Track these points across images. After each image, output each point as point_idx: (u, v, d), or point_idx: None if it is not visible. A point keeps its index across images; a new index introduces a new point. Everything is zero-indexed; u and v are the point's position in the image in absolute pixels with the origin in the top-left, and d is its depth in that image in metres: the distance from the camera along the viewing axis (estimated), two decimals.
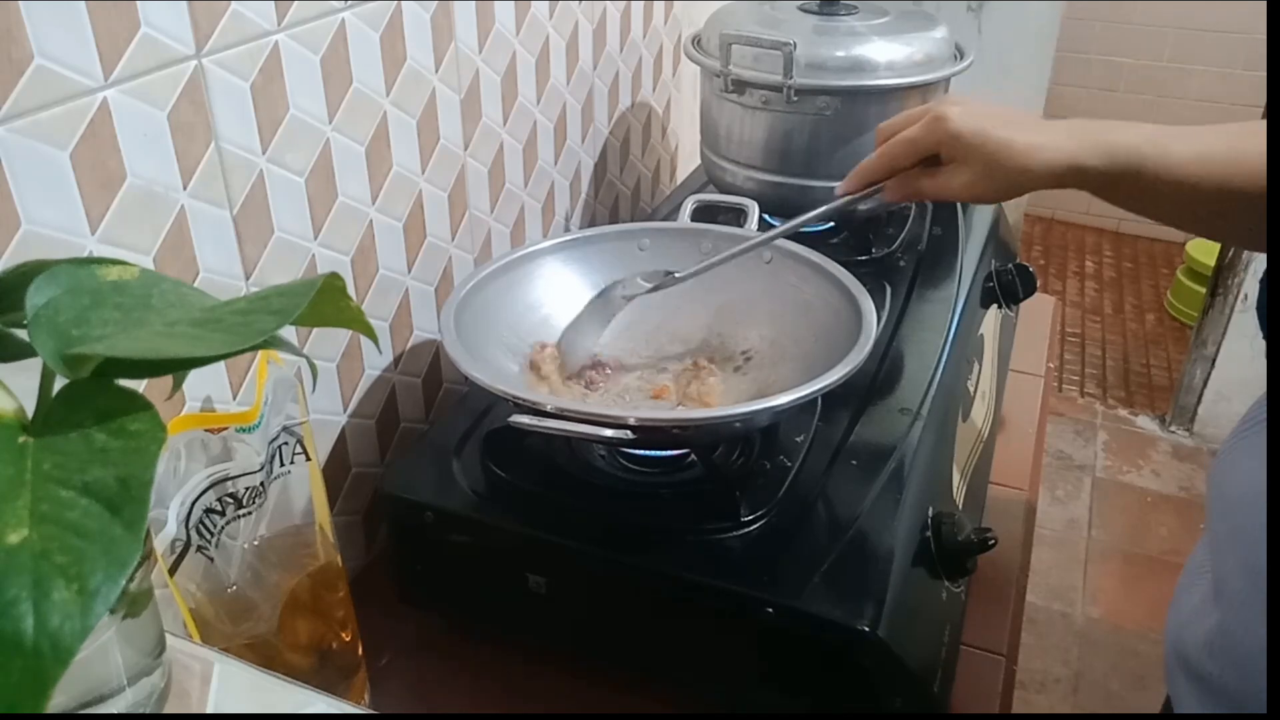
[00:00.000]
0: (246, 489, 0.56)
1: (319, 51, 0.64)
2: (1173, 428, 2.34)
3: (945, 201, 0.64)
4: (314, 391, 0.69)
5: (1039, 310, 1.17)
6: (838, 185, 0.68)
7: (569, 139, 1.00)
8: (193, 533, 0.53)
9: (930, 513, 0.66)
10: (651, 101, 1.19)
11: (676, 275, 0.74)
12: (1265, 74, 0.59)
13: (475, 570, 0.68)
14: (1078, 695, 1.67)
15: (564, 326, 0.76)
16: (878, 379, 0.76)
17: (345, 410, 0.75)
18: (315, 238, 0.67)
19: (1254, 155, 0.53)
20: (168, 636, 0.41)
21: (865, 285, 0.70)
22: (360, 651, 0.66)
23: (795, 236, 0.74)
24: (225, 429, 0.54)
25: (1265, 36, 0.59)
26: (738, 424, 0.65)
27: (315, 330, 0.69)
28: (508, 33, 0.85)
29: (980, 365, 0.88)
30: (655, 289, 0.75)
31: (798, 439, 0.69)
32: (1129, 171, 0.56)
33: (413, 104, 0.74)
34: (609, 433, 0.57)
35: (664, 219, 0.95)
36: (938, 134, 0.61)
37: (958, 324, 0.84)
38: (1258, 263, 2.06)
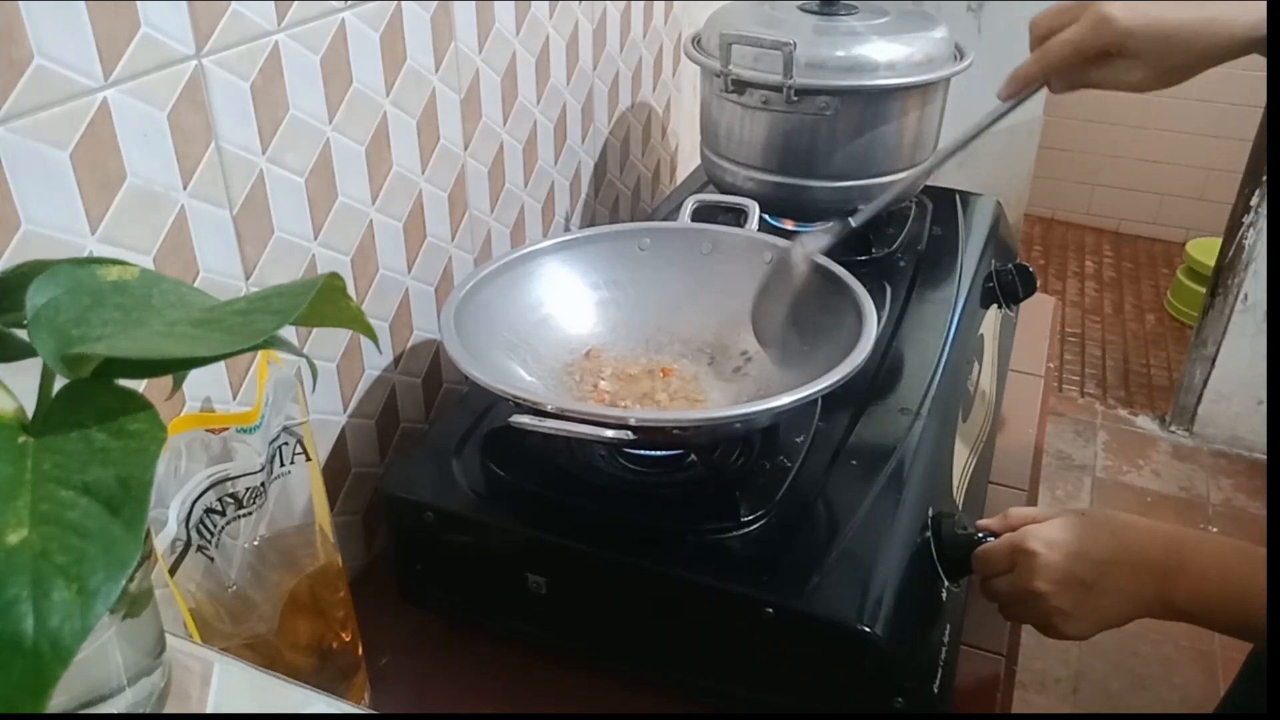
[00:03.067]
0: (247, 489, 0.56)
1: (319, 51, 0.64)
2: (1173, 428, 2.34)
3: (1118, 90, 0.62)
4: (314, 391, 0.69)
5: (1039, 310, 1.17)
6: (999, 90, 0.65)
7: (569, 139, 1.00)
8: (193, 532, 0.53)
9: (930, 513, 0.66)
10: (651, 101, 1.19)
11: (852, 222, 0.72)
12: (1265, 74, 0.59)
13: (475, 570, 0.68)
14: (1078, 695, 1.67)
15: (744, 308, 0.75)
16: (878, 379, 0.76)
17: (345, 410, 0.75)
18: (315, 238, 0.67)
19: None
20: (168, 636, 0.41)
21: (865, 285, 0.70)
22: (360, 651, 0.66)
23: (794, 236, 0.73)
24: (226, 429, 0.54)
25: (1265, 36, 0.58)
26: (738, 424, 0.65)
27: (315, 330, 0.69)
28: (508, 33, 0.85)
29: (980, 365, 0.88)
30: (835, 239, 0.72)
31: (798, 439, 0.69)
32: None
33: (413, 104, 0.74)
34: (609, 433, 0.57)
35: (664, 219, 0.95)
36: (1106, 35, 0.58)
37: (958, 324, 0.84)
38: (1258, 263, 2.06)
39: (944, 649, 0.64)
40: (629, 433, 0.57)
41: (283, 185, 0.63)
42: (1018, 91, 0.65)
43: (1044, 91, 0.67)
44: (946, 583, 0.66)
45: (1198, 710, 1.63)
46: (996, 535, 0.66)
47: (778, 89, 0.88)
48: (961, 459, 0.77)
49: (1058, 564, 0.62)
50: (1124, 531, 0.62)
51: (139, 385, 0.32)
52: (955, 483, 0.74)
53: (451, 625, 0.72)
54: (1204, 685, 1.67)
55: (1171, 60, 0.57)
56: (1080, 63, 0.60)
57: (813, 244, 0.73)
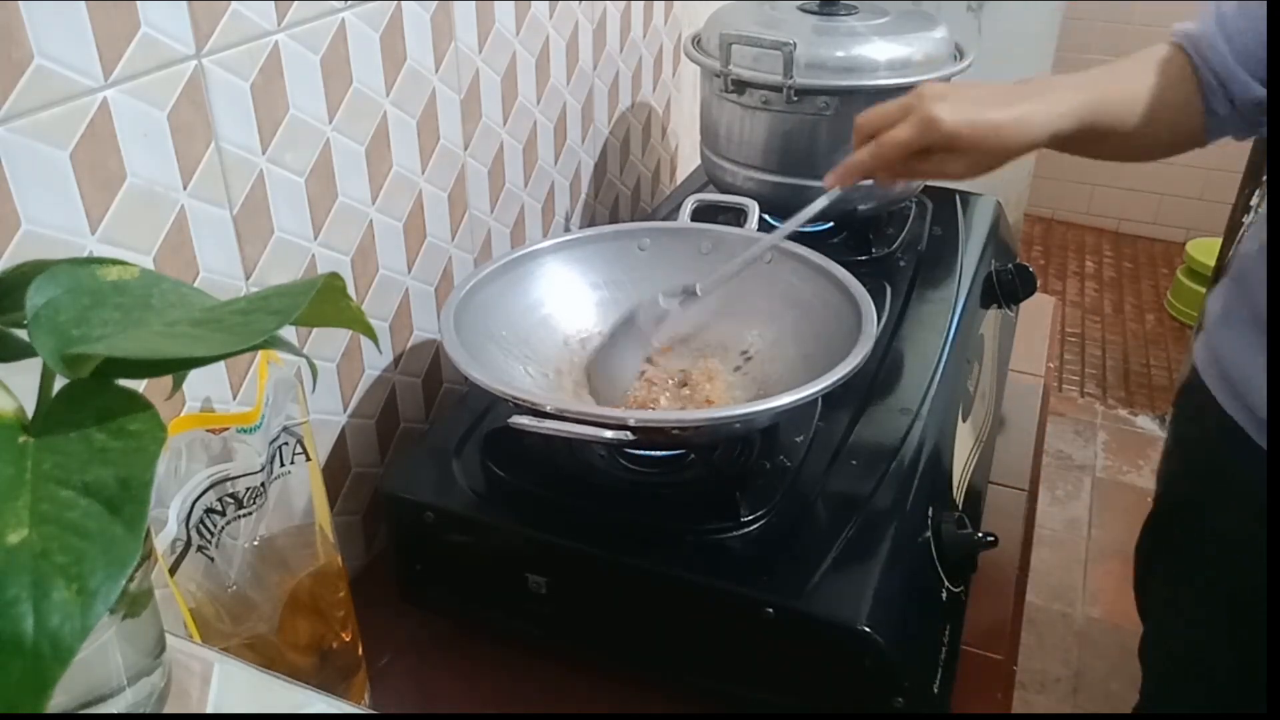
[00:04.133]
0: (247, 489, 0.56)
1: (319, 51, 0.64)
2: None
3: (938, 181, 0.68)
4: (314, 391, 0.69)
5: (1039, 310, 1.17)
6: (825, 178, 0.69)
7: (569, 139, 1.00)
8: (193, 532, 0.53)
9: (930, 513, 0.66)
10: (651, 101, 1.19)
11: (697, 290, 0.73)
12: (1265, 74, 0.59)
13: (475, 570, 0.68)
14: (1078, 696, 1.67)
15: (588, 361, 0.75)
16: (878, 379, 0.76)
17: (345, 410, 0.75)
18: (315, 238, 0.67)
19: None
20: (168, 636, 0.41)
21: (865, 285, 0.70)
22: (360, 651, 0.66)
23: (795, 236, 0.74)
24: (226, 429, 0.54)
25: (1265, 36, 0.59)
26: (738, 424, 0.65)
27: (315, 330, 0.69)
28: (508, 33, 0.85)
29: (980, 365, 0.88)
30: (684, 303, 0.74)
31: (798, 439, 0.69)
32: (1088, 128, 0.65)
33: (413, 104, 0.74)
34: (609, 433, 0.57)
35: (664, 219, 0.95)
36: (933, 135, 0.63)
37: (958, 324, 0.84)
38: None
39: (944, 649, 0.64)
40: (628, 433, 0.57)
41: (283, 185, 0.63)
42: (847, 181, 0.69)
43: None
44: (946, 583, 0.66)
45: None
46: (996, 539, 0.66)
47: (778, 89, 0.88)
48: (961, 459, 0.77)
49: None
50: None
51: (139, 385, 0.32)
52: (955, 483, 0.74)
53: (451, 625, 0.72)
54: None
55: (987, 157, 0.64)
56: (907, 158, 0.65)
57: (657, 312, 0.75)
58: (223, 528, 0.55)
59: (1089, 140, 0.66)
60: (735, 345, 0.76)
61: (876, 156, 0.66)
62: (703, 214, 0.83)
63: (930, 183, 0.75)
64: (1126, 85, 0.66)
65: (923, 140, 0.63)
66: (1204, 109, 0.65)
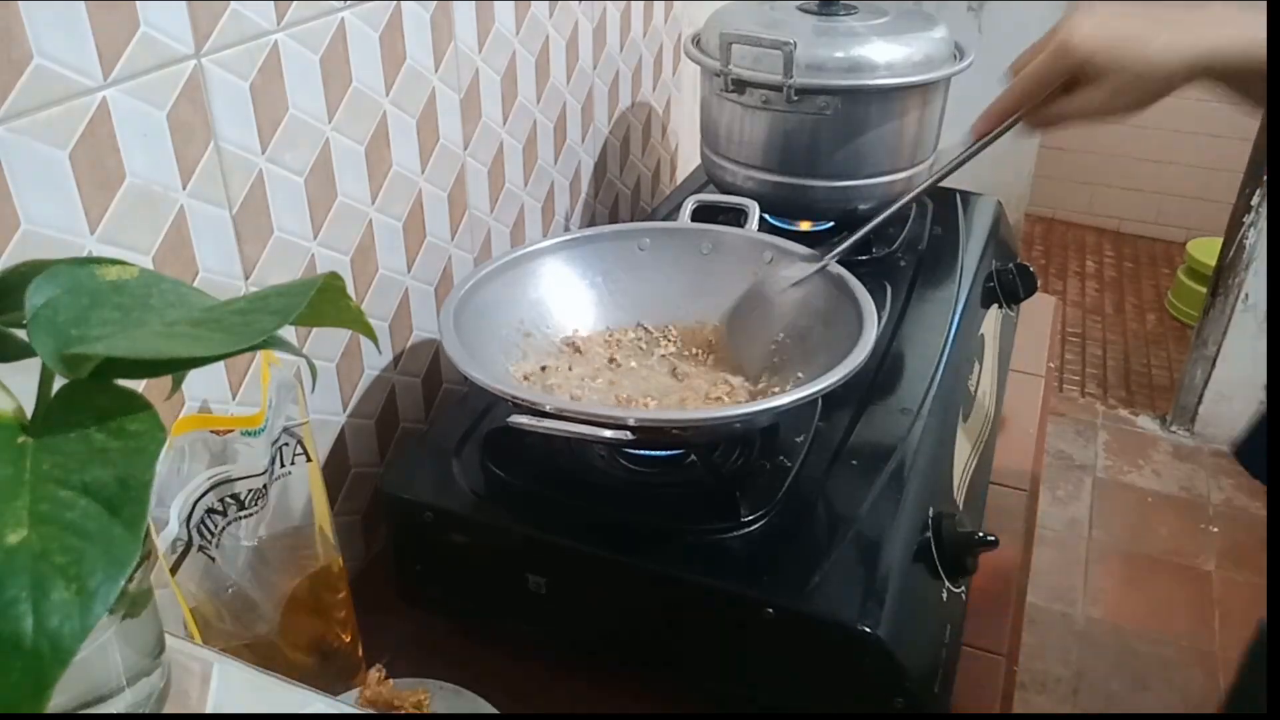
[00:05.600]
0: (249, 490, 0.56)
1: (319, 51, 0.64)
2: (1173, 428, 2.34)
3: (1088, 122, 0.60)
4: (313, 392, 0.69)
5: (1039, 310, 1.17)
6: (973, 124, 0.65)
7: (569, 139, 1.00)
8: (194, 532, 0.53)
9: (930, 513, 0.66)
10: (651, 101, 1.19)
11: (823, 253, 0.72)
12: (1265, 74, 0.59)
13: (475, 570, 0.68)
14: (1078, 696, 1.67)
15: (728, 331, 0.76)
16: (878, 379, 0.76)
17: (345, 410, 0.75)
18: (315, 237, 0.67)
19: None
20: (168, 636, 0.41)
21: (865, 285, 0.70)
22: (360, 652, 0.66)
23: (795, 236, 0.74)
24: (231, 431, 0.55)
25: (1265, 36, 0.58)
26: (738, 424, 0.65)
27: (315, 330, 0.69)
28: (507, 32, 0.85)
29: (981, 365, 0.88)
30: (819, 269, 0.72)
31: (798, 439, 0.69)
32: (1252, 66, 0.54)
33: (412, 104, 0.74)
34: (609, 433, 0.57)
35: (664, 219, 0.95)
36: (1067, 62, 0.57)
37: (958, 324, 0.84)
38: (1259, 262, 2.06)
39: (944, 649, 0.64)
40: (628, 433, 0.57)
41: (282, 185, 0.63)
42: (991, 128, 0.65)
43: None
44: (946, 583, 0.66)
45: (1198, 710, 1.63)
46: (996, 539, 0.66)
47: (778, 89, 0.87)
48: (962, 459, 0.77)
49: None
50: None
51: (138, 385, 0.32)
52: (955, 483, 0.74)
53: (451, 625, 0.72)
54: (1204, 685, 1.67)
55: (1134, 88, 0.56)
56: (1047, 93, 0.60)
57: (790, 273, 0.73)
58: (224, 528, 0.55)
59: (1258, 85, 0.55)
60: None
61: (1015, 92, 0.60)
62: (703, 214, 0.83)
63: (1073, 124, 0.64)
64: None
65: (1059, 65, 0.57)
66: None
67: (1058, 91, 0.60)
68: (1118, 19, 0.56)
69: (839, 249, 0.72)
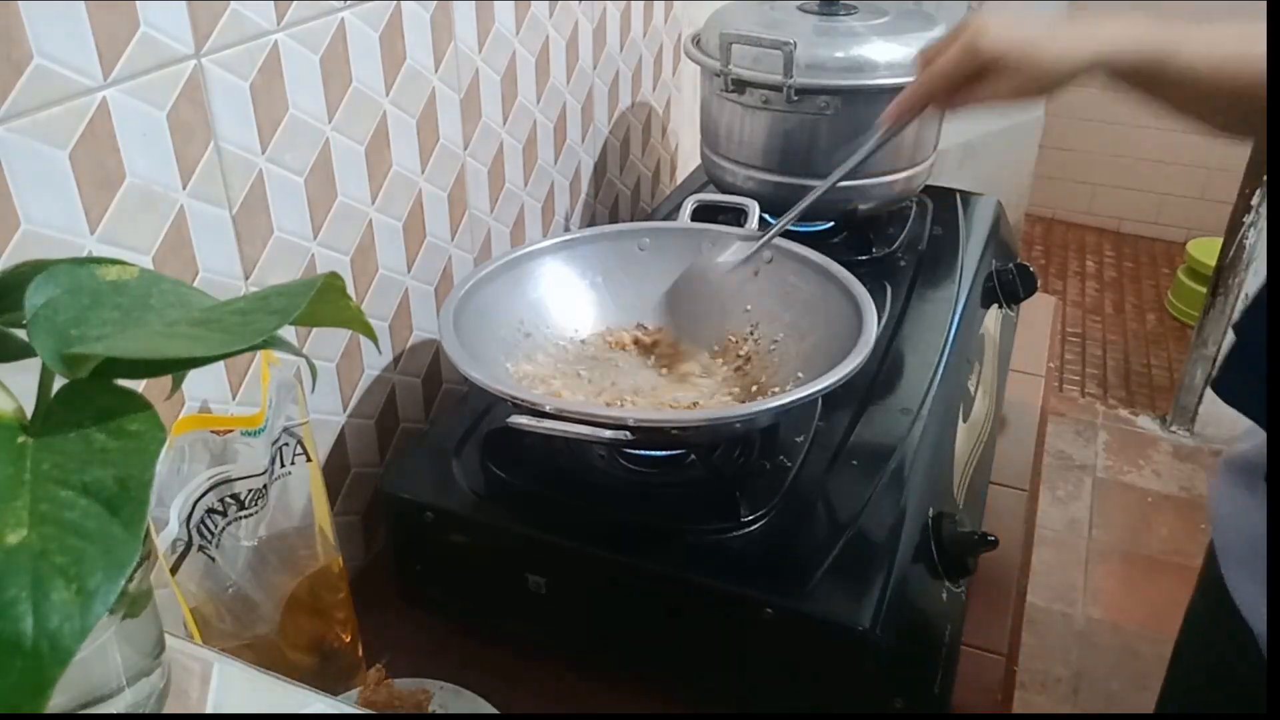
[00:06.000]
0: (249, 490, 0.56)
1: (318, 51, 0.64)
2: (1173, 428, 2.34)
3: (994, 107, 0.66)
4: (313, 392, 0.69)
5: (1039, 310, 1.17)
6: (881, 116, 0.69)
7: (569, 139, 1.00)
8: (194, 532, 0.53)
9: (930, 513, 0.66)
10: (651, 101, 1.19)
11: (765, 233, 0.75)
12: (1265, 74, 0.59)
13: (475, 570, 0.68)
14: (1078, 696, 1.67)
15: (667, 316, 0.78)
16: (878, 379, 0.76)
17: (345, 410, 0.75)
18: (315, 237, 0.67)
19: (1257, 56, 0.58)
20: (168, 636, 0.41)
21: (865, 285, 0.70)
22: (360, 652, 0.66)
23: (795, 236, 0.74)
24: (231, 431, 0.54)
25: (1265, 37, 0.59)
26: (738, 424, 0.65)
27: (315, 330, 0.69)
28: (507, 32, 0.85)
29: (981, 365, 0.88)
30: (757, 249, 0.76)
31: (798, 439, 0.69)
32: (1151, 71, 0.60)
33: (412, 104, 0.74)
34: (608, 433, 0.57)
35: (664, 219, 0.95)
36: (979, 60, 0.62)
37: (958, 324, 0.84)
38: (1258, 261, 2.06)
39: (944, 649, 0.64)
40: (628, 433, 0.57)
41: (282, 185, 0.63)
42: (902, 116, 0.68)
43: None
44: (946, 583, 0.66)
45: None
46: (996, 539, 0.66)
47: (778, 89, 0.88)
48: (961, 459, 0.77)
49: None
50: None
51: (138, 385, 0.32)
52: (955, 483, 0.74)
53: (451, 625, 0.72)
54: None
55: (1034, 73, 0.62)
56: (956, 84, 0.64)
57: (728, 256, 0.76)
58: (224, 528, 0.55)
59: (1150, 84, 0.61)
60: (735, 345, 0.76)
61: (925, 84, 0.65)
62: (703, 214, 0.83)
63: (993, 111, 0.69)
64: (1217, 45, 0.59)
65: (969, 61, 0.62)
66: None
67: (963, 81, 0.64)
68: (1019, 24, 0.61)
69: (773, 231, 0.76)
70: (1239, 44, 0.58)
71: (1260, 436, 0.66)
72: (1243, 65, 0.57)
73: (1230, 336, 0.64)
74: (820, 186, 0.75)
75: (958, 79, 0.63)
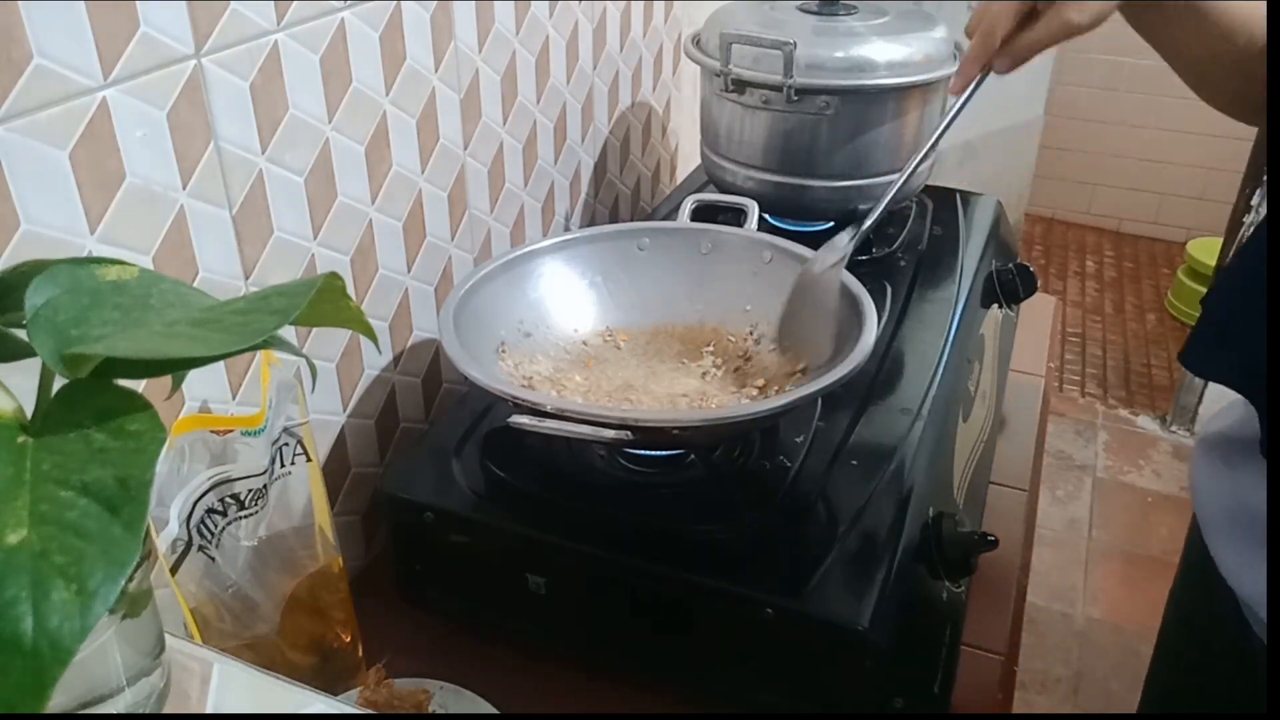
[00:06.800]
0: (249, 490, 0.56)
1: (318, 51, 0.64)
2: (1173, 428, 2.34)
3: (1052, 45, 0.65)
4: (313, 392, 0.69)
5: (1039, 310, 1.17)
6: (950, 83, 0.68)
7: (569, 139, 1.00)
8: (194, 532, 0.53)
9: (930, 513, 0.66)
10: (651, 101, 1.19)
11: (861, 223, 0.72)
12: (1265, 74, 0.59)
13: (475, 570, 0.68)
14: (1078, 696, 1.67)
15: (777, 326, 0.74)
16: (878, 379, 0.76)
17: (345, 410, 0.75)
18: (315, 237, 0.67)
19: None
20: (168, 636, 0.41)
21: (865, 285, 0.70)
22: (360, 652, 0.66)
23: (795, 236, 0.73)
24: (231, 431, 0.54)
25: (1265, 37, 0.59)
26: (738, 424, 0.65)
27: (315, 330, 0.69)
28: (507, 32, 0.85)
29: (980, 365, 0.88)
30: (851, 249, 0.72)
31: (798, 439, 0.69)
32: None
33: (412, 104, 0.74)
34: (609, 433, 0.57)
35: (664, 219, 0.95)
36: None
37: (958, 324, 0.84)
38: None
39: (944, 649, 0.64)
40: (628, 433, 0.57)
41: (282, 185, 0.63)
42: (967, 82, 0.67)
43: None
44: (946, 583, 0.66)
45: None
46: (996, 539, 0.66)
47: (778, 89, 0.88)
48: (961, 459, 0.77)
49: None
50: None
51: (138, 385, 0.32)
52: (955, 483, 0.74)
53: (451, 625, 0.72)
54: None
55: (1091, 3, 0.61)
56: (1009, 32, 0.64)
57: (829, 257, 0.72)
58: (224, 528, 0.55)
59: (1176, 14, 0.63)
60: (735, 345, 0.76)
61: (982, 39, 0.65)
62: (703, 214, 0.83)
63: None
64: None
65: (1019, 4, 0.62)
66: None
67: (1015, 30, 0.64)
68: None
69: (867, 224, 0.73)
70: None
71: (1234, 416, 0.69)
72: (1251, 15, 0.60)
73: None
74: (899, 177, 0.73)
75: (1010, 26, 0.63)
